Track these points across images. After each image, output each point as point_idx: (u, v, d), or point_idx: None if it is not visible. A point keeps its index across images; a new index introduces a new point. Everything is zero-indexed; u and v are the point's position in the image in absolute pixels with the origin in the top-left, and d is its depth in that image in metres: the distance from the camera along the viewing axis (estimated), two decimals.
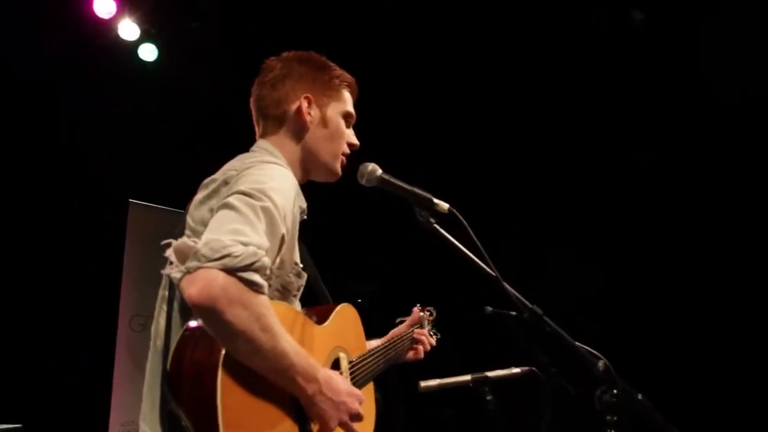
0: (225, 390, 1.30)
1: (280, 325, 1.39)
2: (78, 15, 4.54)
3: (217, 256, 1.28)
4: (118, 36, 4.82)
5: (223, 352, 1.32)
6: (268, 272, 1.37)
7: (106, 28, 4.73)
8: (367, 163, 1.81)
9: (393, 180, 1.79)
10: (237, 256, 1.29)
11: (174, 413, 1.32)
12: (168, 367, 1.38)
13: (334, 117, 1.87)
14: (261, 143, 1.84)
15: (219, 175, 1.63)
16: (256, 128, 1.90)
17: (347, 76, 1.93)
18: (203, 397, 1.29)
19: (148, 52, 5.08)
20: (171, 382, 1.35)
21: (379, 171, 1.80)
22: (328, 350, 1.72)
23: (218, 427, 1.27)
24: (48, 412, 4.14)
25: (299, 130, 1.84)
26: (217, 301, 1.27)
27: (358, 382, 1.82)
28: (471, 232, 1.72)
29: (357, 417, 1.55)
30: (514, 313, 4.04)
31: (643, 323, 4.92)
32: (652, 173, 5.06)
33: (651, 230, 5.07)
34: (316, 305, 1.90)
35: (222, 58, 5.16)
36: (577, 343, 1.69)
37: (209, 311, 1.28)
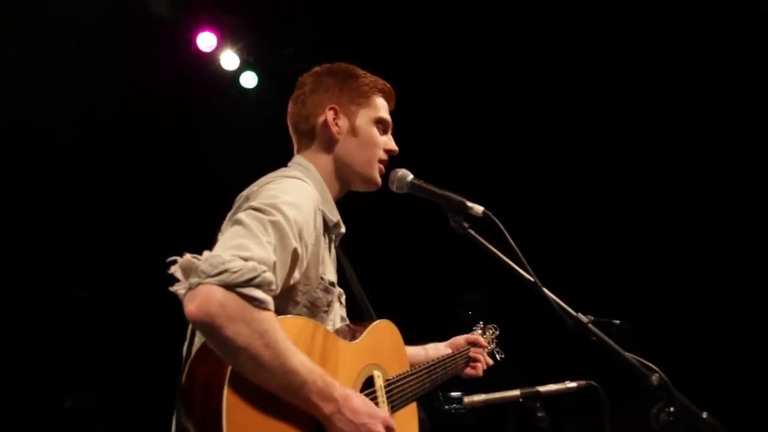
0: (231, 407, 1.29)
1: (288, 342, 1.36)
2: (182, 51, 4.87)
3: (215, 272, 1.27)
4: (219, 67, 5.12)
5: (230, 368, 1.32)
6: (273, 287, 1.35)
7: (208, 60, 5.04)
8: (397, 169, 1.78)
9: (424, 185, 1.74)
10: (235, 272, 1.27)
11: (185, 427, 1.33)
12: (182, 380, 1.39)
13: (365, 125, 1.84)
14: (296, 158, 1.87)
15: (246, 191, 1.65)
16: (294, 144, 1.92)
17: (379, 83, 1.90)
18: (210, 414, 1.29)
19: (249, 80, 5.35)
20: (183, 396, 1.37)
21: (410, 176, 1.76)
22: (359, 368, 1.66)
23: None
24: None
25: (329, 142, 1.83)
26: (215, 317, 1.26)
27: (397, 402, 1.75)
28: (507, 235, 1.62)
29: None
30: (617, 321, 3.79)
31: None
32: None
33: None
34: (357, 322, 1.87)
35: None
36: (627, 353, 1.54)
37: (208, 327, 1.27)
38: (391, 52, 5.02)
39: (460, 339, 2.30)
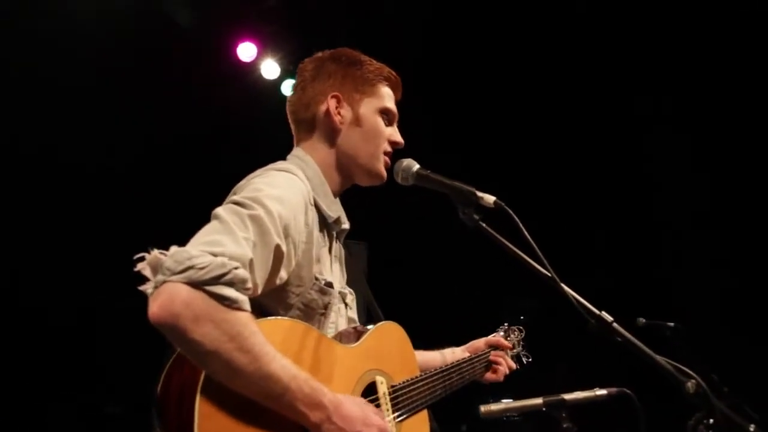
0: (204, 418, 1.19)
1: (266, 345, 1.24)
2: (223, 61, 4.92)
3: (180, 268, 1.17)
4: (260, 76, 5.14)
5: (203, 374, 1.21)
6: (248, 286, 1.24)
7: (249, 69, 5.07)
8: (402, 160, 1.66)
9: (432, 175, 1.62)
10: (202, 268, 1.17)
11: None
12: (158, 388, 1.29)
13: (369, 114, 1.72)
14: (294, 151, 1.76)
15: (236, 186, 1.56)
16: (294, 135, 1.82)
17: (385, 70, 1.78)
18: (182, 425, 1.19)
19: (290, 88, 5.33)
20: (158, 405, 1.27)
21: (416, 166, 1.64)
22: (358, 373, 1.53)
23: None
24: None
25: (331, 132, 1.72)
26: (179, 317, 1.15)
27: (404, 410, 1.62)
28: (522, 227, 1.48)
29: None
30: (672, 324, 3.49)
31: None
32: None
33: None
34: (365, 325, 1.73)
35: None
36: (658, 357, 1.36)
37: (172, 329, 1.16)
38: (428, 55, 4.94)
39: (479, 342, 2.15)
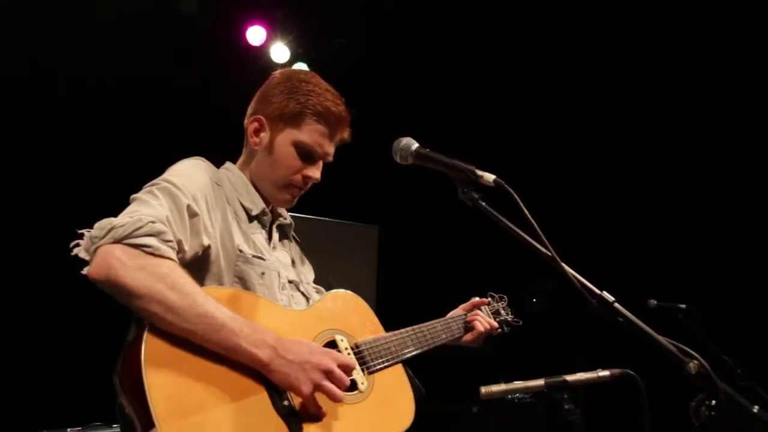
0: (153, 378, 1.28)
1: (196, 286, 1.38)
2: (231, 45, 4.90)
3: (104, 233, 1.35)
4: (270, 60, 5.11)
5: (145, 336, 1.32)
6: (168, 238, 1.40)
7: (258, 53, 5.04)
8: (401, 138, 1.64)
9: (430, 153, 1.59)
10: (121, 226, 1.35)
11: (121, 403, 1.34)
12: (120, 361, 1.38)
13: (283, 145, 1.75)
14: (226, 164, 1.84)
15: None
16: None
17: (323, 106, 1.75)
18: (135, 386, 1.29)
19: None
20: (119, 374, 1.36)
21: (415, 145, 1.61)
22: (313, 333, 1.60)
23: (151, 414, 1.25)
24: None
25: (250, 153, 1.81)
26: (110, 268, 1.32)
27: (372, 364, 1.67)
28: (523, 206, 1.45)
29: (331, 373, 1.43)
30: (684, 305, 3.44)
31: None
32: None
33: None
34: None
35: (369, 71, 5.24)
36: (661, 337, 1.33)
37: (107, 281, 1.32)
38: (440, 39, 4.89)
39: (457, 309, 2.17)
